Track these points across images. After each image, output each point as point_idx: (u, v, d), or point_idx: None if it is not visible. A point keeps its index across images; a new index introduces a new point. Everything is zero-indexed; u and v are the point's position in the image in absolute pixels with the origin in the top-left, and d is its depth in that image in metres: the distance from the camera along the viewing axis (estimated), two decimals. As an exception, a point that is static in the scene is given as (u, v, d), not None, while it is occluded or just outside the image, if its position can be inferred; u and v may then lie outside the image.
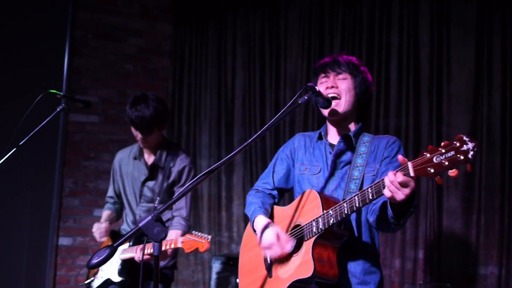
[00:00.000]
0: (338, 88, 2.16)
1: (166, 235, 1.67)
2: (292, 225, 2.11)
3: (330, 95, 2.13)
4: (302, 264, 1.97)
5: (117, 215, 3.39)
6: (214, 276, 4.12)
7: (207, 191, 4.67)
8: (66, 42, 4.58)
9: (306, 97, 1.97)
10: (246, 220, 4.51)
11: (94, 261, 1.62)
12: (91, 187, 4.63)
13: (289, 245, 2.03)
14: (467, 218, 3.73)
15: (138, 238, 3.04)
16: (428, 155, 1.62)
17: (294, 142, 2.34)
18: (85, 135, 4.68)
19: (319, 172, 2.18)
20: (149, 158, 3.23)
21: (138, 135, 3.12)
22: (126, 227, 3.30)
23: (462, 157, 1.55)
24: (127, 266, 3.05)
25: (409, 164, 1.68)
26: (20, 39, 4.45)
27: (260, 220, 2.15)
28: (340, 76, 2.17)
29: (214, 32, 4.78)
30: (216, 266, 4.12)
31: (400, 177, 1.70)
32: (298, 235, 2.05)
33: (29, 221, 4.41)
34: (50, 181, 4.50)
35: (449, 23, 3.90)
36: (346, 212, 1.90)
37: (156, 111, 3.05)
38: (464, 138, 1.56)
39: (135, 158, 3.26)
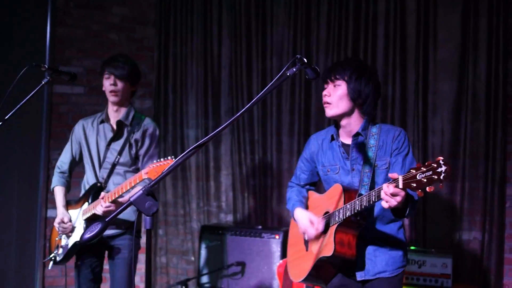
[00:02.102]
0: (330, 96, 2.46)
1: (158, 209, 1.68)
2: (324, 211, 2.53)
3: (324, 105, 2.49)
4: (327, 245, 2.39)
5: (67, 189, 3.34)
6: (203, 245, 4.18)
7: (195, 161, 4.68)
8: (48, 12, 4.47)
9: (294, 69, 1.98)
10: (234, 189, 4.56)
11: (87, 235, 1.64)
12: (78, 158, 4.61)
13: (320, 226, 2.45)
14: (451, 185, 3.81)
15: (95, 195, 3.06)
16: (414, 172, 1.99)
17: (311, 147, 2.69)
18: (71, 107, 4.63)
19: (339, 171, 2.53)
20: (115, 120, 3.19)
21: (110, 81, 3.11)
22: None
23: (436, 177, 1.91)
24: (91, 223, 3.05)
25: (400, 178, 2.04)
26: None
27: (297, 211, 2.62)
28: (336, 83, 2.46)
29: (199, 0, 4.70)
30: (205, 235, 4.17)
31: (391, 188, 2.06)
32: (327, 220, 2.46)
33: (17, 194, 4.39)
34: (36, 153, 4.47)
35: (436, -11, 3.89)
36: (358, 208, 2.27)
37: (132, 63, 3.17)
38: (441, 161, 1.90)
39: (101, 122, 3.20)
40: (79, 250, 3.16)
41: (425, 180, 1.93)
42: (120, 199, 2.96)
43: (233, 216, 4.57)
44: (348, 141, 2.52)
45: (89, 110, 4.65)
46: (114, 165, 3.12)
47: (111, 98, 3.15)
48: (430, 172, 1.92)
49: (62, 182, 3.30)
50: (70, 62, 4.60)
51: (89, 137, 3.23)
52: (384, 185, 2.09)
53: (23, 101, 2.57)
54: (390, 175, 2.10)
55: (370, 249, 2.46)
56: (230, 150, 4.60)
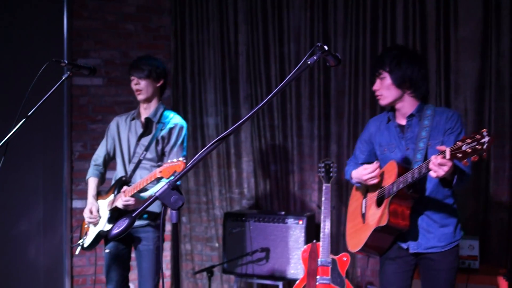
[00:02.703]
0: (380, 90, 2.67)
1: (183, 203, 1.69)
2: (379, 185, 2.70)
3: (377, 98, 2.70)
4: (382, 216, 2.57)
5: (101, 181, 3.49)
6: (227, 231, 4.20)
7: (215, 149, 4.68)
8: (64, 5, 4.48)
9: (315, 57, 1.95)
10: (256, 175, 4.56)
11: (115, 231, 1.65)
12: (100, 150, 4.66)
13: (375, 168, 2.64)
14: (477, 165, 3.75)
15: (120, 188, 3.23)
16: (460, 143, 2.11)
17: (369, 128, 2.88)
18: (90, 98, 4.66)
19: (395, 150, 2.69)
20: (145, 116, 3.35)
21: (134, 82, 3.28)
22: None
23: (479, 147, 2.04)
24: (116, 214, 3.21)
25: (447, 150, 2.18)
26: (17, 5, 4.36)
27: (354, 171, 2.81)
28: (381, 76, 2.65)
29: (214, -14, 4.66)
30: (229, 222, 4.20)
31: (439, 159, 2.23)
32: (381, 194, 2.64)
33: (42, 186, 4.46)
34: (59, 146, 4.52)
35: (456, -34, 3.79)
36: (409, 180, 2.43)
37: (153, 59, 3.35)
38: (484, 133, 2.03)
39: (133, 119, 3.37)
40: (107, 239, 3.30)
41: (469, 150, 2.06)
42: (140, 194, 3.13)
43: (255, 202, 4.58)
44: (403, 122, 2.69)
45: (108, 101, 4.69)
46: (140, 160, 3.28)
47: (138, 97, 3.32)
48: (475, 143, 2.05)
49: (96, 173, 3.46)
50: (88, 54, 4.61)
51: (121, 132, 3.41)
52: (433, 156, 2.26)
53: (45, 97, 2.59)
54: (438, 147, 2.26)
55: (423, 224, 2.61)
56: (251, 136, 4.60)
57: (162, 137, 3.27)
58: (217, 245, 4.70)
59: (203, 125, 4.75)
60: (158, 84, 3.33)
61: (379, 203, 2.65)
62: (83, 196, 4.58)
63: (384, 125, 2.77)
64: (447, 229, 2.61)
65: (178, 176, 1.74)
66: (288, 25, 4.40)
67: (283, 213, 4.15)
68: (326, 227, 3.68)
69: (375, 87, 2.68)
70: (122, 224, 1.65)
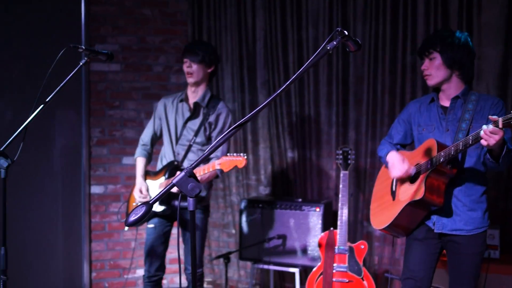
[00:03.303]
0: (428, 69, 2.69)
1: (200, 191, 1.68)
2: (415, 163, 2.69)
3: (425, 78, 2.73)
4: (417, 190, 2.58)
5: (148, 160, 3.64)
6: (243, 218, 4.20)
7: (233, 135, 4.66)
8: (82, -10, 4.49)
9: (335, 43, 1.92)
10: (273, 162, 4.54)
11: (132, 218, 1.65)
12: (117, 135, 4.68)
13: (410, 169, 2.66)
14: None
15: (172, 172, 3.38)
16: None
17: (409, 108, 2.89)
18: (108, 84, 4.67)
19: (434, 130, 2.71)
20: (193, 101, 3.46)
21: (186, 65, 3.40)
22: (163, 162, 3.52)
23: None
24: (166, 196, 3.32)
25: (500, 119, 2.22)
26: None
27: (392, 154, 2.78)
28: (431, 56, 2.68)
29: (231, -29, 4.61)
30: (246, 209, 4.20)
31: (491, 127, 2.26)
32: (418, 169, 2.65)
33: (61, 172, 4.50)
34: (77, 131, 4.54)
35: (480, -51, 3.68)
36: (452, 153, 2.46)
37: (208, 45, 3.57)
38: None
39: (181, 101, 3.50)
40: (152, 216, 3.45)
41: None
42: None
43: (272, 189, 4.57)
44: (447, 104, 2.71)
45: (126, 87, 4.69)
46: (190, 146, 3.41)
47: (188, 80, 3.44)
48: None
49: (144, 153, 3.60)
50: (105, 40, 4.61)
51: (168, 114, 3.53)
52: (484, 125, 2.29)
53: (63, 83, 2.60)
54: (490, 117, 2.27)
55: (452, 205, 2.63)
56: (268, 123, 4.57)
57: (209, 123, 3.41)
58: (233, 231, 4.71)
59: (220, 111, 4.73)
60: (209, 70, 3.45)
61: (413, 180, 2.67)
62: (101, 181, 4.64)
63: (426, 106, 2.80)
64: (475, 214, 2.62)
65: (195, 163, 1.73)
66: (306, 10, 4.33)
67: (300, 200, 4.13)
68: (343, 214, 3.66)
69: (424, 66, 2.71)
70: (139, 211, 1.65)
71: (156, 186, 3.48)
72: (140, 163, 3.57)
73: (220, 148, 3.26)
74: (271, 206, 4.09)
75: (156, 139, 3.64)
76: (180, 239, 3.48)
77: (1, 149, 2.43)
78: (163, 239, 3.49)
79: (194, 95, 3.46)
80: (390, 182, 2.87)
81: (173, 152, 3.47)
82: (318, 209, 3.96)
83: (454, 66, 2.65)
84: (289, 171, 4.48)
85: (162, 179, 3.43)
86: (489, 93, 3.72)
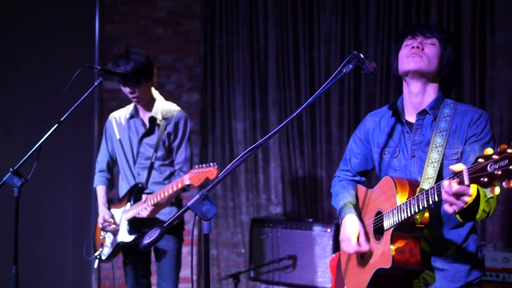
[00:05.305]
0: (423, 51, 2.01)
1: (215, 214, 1.66)
2: (375, 209, 2.09)
3: (412, 56, 2.02)
4: (383, 254, 1.96)
5: (110, 187, 3.40)
6: (253, 237, 4.17)
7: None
8: (96, 9, 4.54)
9: (351, 66, 1.91)
10: (283, 181, 4.52)
11: (146, 241, 1.63)
12: (129, 153, 4.69)
13: (364, 246, 2.05)
14: None
15: (136, 196, 3.11)
16: (483, 161, 1.45)
17: (366, 124, 2.25)
18: (120, 102, 4.68)
19: (398, 154, 2.08)
20: (145, 115, 3.21)
21: (127, 91, 3.11)
22: (125, 189, 3.26)
23: None
24: (134, 224, 3.10)
25: (464, 171, 1.54)
26: (49, 9, 4.42)
27: (349, 218, 2.13)
28: (428, 41, 2.04)
29: (244, -10, 4.65)
30: (255, 228, 4.17)
31: (454, 186, 1.57)
32: (379, 223, 2.02)
33: (72, 189, 4.52)
34: (89, 149, 4.57)
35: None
36: (415, 210, 1.80)
37: (137, 62, 3.04)
38: None
39: (131, 117, 3.23)
40: (125, 249, 3.22)
41: (499, 172, 1.39)
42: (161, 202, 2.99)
43: (282, 208, 4.54)
44: (413, 119, 2.07)
45: (138, 105, 4.71)
46: (152, 163, 3.15)
47: (138, 104, 3.20)
48: (506, 161, 1.37)
49: (102, 180, 3.35)
50: (119, 58, 4.65)
51: (120, 132, 3.26)
52: (445, 181, 1.61)
53: (77, 103, 2.61)
54: (450, 167, 1.61)
55: (431, 259, 2.02)
56: (279, 141, 4.56)
57: (168, 133, 3.16)
58: (243, 251, 4.68)
59: (231, 129, 4.74)
60: (151, 82, 3.17)
61: (377, 232, 2.06)
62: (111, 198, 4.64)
63: (387, 120, 2.15)
64: (462, 267, 2.01)
65: (211, 186, 1.71)
66: (318, 29, 4.35)
67: (310, 220, 4.10)
68: (355, 235, 3.61)
69: (418, 44, 2.03)
70: (154, 234, 1.63)
71: (121, 214, 3.20)
72: (100, 191, 3.30)
73: (183, 159, 3.13)
74: (281, 226, 4.06)
75: (113, 163, 3.36)
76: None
77: (15, 168, 2.42)
78: (141, 272, 3.28)
79: (146, 107, 3.19)
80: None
81: (132, 174, 3.21)
82: (329, 230, 3.92)
83: (445, 69, 2.05)
84: (300, 190, 4.45)
85: (127, 206, 3.15)
86: (502, 114, 3.68)
